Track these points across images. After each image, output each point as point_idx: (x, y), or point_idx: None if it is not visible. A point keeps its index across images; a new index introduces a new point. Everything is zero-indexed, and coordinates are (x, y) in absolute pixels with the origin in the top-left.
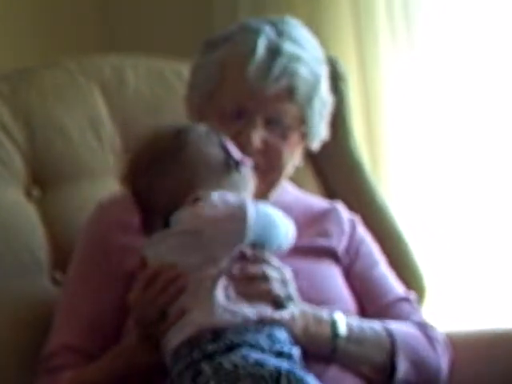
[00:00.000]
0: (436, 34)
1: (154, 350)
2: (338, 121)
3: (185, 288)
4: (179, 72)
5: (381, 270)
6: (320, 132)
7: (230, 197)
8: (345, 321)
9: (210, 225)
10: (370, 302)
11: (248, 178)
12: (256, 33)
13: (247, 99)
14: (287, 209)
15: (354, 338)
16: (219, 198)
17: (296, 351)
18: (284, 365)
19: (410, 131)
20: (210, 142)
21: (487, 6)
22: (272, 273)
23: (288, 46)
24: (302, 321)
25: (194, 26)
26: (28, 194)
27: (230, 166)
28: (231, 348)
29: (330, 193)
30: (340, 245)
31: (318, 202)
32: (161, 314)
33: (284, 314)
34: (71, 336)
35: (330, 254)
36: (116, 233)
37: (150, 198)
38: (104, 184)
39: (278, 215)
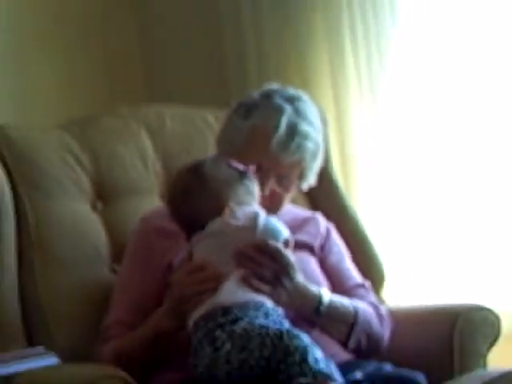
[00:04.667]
0: (390, 90)
1: (177, 318)
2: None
3: (217, 287)
4: (204, 117)
5: (346, 263)
6: (311, 180)
7: (248, 211)
8: (328, 294)
9: (229, 230)
10: (337, 285)
11: (254, 183)
12: (280, 112)
13: (266, 163)
14: (281, 216)
15: (332, 308)
16: (241, 211)
17: (286, 323)
18: (284, 325)
19: (374, 160)
20: (219, 165)
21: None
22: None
23: (302, 126)
24: (303, 288)
25: (214, 85)
26: (93, 207)
27: (239, 176)
28: (236, 320)
29: (313, 205)
30: (316, 242)
31: (303, 212)
32: (194, 295)
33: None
34: (122, 313)
35: (308, 248)
36: (155, 237)
37: (192, 218)
38: (149, 199)
39: (279, 223)
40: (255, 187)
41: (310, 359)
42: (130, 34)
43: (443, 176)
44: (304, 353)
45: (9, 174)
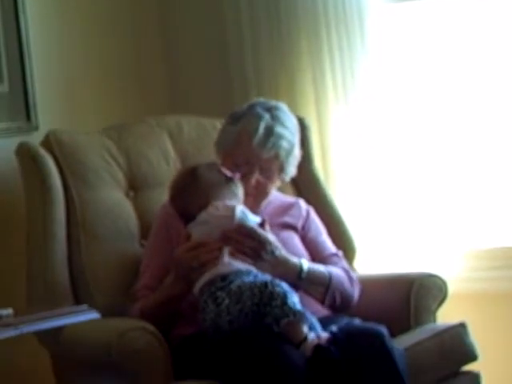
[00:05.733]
0: (360, 102)
1: (184, 286)
2: (305, 153)
3: (217, 257)
4: (214, 124)
5: (322, 237)
6: (291, 172)
7: (228, 204)
8: (307, 263)
9: (214, 219)
10: (315, 255)
11: (239, 187)
12: (259, 118)
13: (251, 158)
14: (270, 202)
15: (311, 273)
16: (222, 204)
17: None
18: (268, 278)
19: (347, 158)
20: (212, 170)
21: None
22: (261, 233)
23: (278, 129)
24: (283, 259)
25: (221, 99)
26: (126, 195)
27: (226, 180)
28: (232, 282)
29: (298, 193)
30: (298, 223)
31: (288, 198)
32: (199, 266)
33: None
34: (147, 279)
35: (292, 227)
36: (172, 220)
37: (186, 209)
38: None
39: (251, 214)
40: (239, 190)
41: (289, 302)
42: (158, 60)
43: (400, 171)
44: (284, 297)
45: (60, 169)
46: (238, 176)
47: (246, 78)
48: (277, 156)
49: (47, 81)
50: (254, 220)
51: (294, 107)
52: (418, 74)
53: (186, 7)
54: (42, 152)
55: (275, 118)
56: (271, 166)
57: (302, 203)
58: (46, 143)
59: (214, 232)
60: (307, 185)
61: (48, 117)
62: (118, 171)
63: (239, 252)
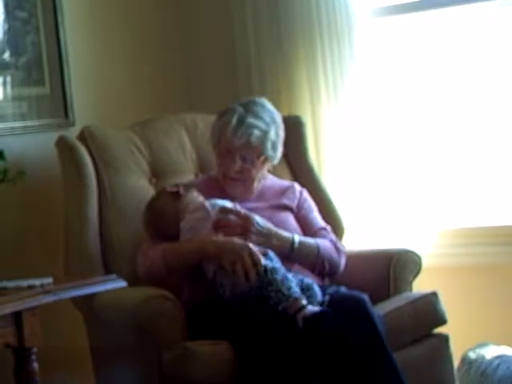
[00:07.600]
0: (348, 101)
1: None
2: (301, 147)
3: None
4: None
5: (313, 214)
6: (276, 157)
7: (195, 203)
8: (298, 237)
9: (195, 221)
10: (307, 230)
11: (188, 192)
12: (233, 112)
13: (229, 147)
14: (267, 186)
15: (301, 244)
16: (191, 207)
17: (271, 253)
18: (268, 264)
19: (337, 149)
20: (160, 196)
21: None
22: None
23: (249, 119)
24: (274, 232)
25: (230, 98)
26: (149, 181)
27: (176, 194)
28: None
29: (296, 180)
30: (293, 204)
31: (284, 182)
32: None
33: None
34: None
35: (288, 208)
36: None
37: (169, 235)
38: (186, 177)
39: (218, 200)
40: (192, 193)
41: (284, 289)
42: (176, 67)
43: (382, 163)
44: (280, 283)
45: (93, 159)
46: (181, 185)
47: (251, 82)
48: (249, 142)
49: (82, 84)
50: (225, 203)
51: (292, 107)
52: (398, 78)
53: (201, 25)
54: (78, 144)
55: (248, 111)
56: (248, 152)
57: (297, 186)
58: (81, 137)
59: (203, 230)
60: (303, 173)
61: (83, 114)
62: (143, 161)
63: (231, 235)
